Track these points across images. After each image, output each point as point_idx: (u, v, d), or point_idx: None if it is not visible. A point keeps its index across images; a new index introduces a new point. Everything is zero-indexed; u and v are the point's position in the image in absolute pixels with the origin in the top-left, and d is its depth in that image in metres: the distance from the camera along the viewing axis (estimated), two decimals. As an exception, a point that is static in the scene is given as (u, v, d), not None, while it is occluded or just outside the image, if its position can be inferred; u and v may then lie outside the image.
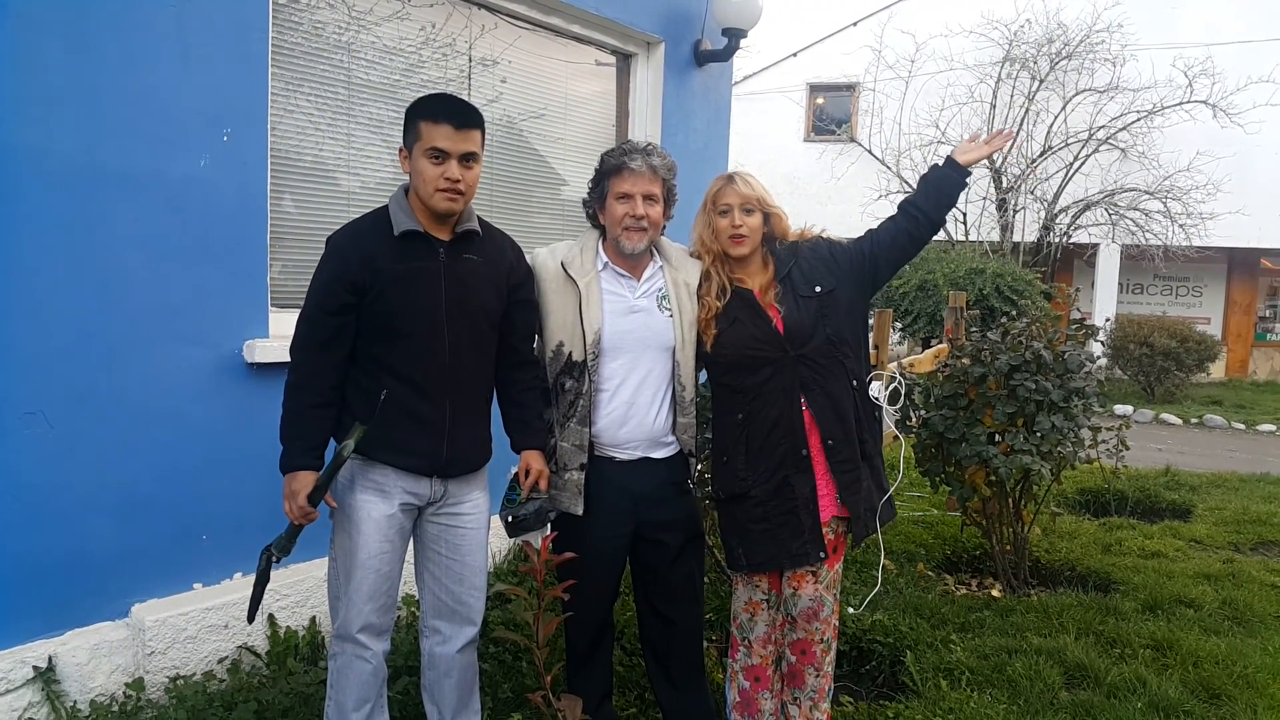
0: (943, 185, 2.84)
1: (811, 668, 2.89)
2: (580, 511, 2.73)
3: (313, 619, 3.47)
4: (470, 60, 4.35)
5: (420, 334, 2.45)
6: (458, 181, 2.41)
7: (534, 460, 2.69)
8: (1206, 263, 16.44)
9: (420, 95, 2.54)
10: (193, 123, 3.09)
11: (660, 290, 2.78)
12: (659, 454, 2.78)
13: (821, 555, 2.77)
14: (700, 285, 2.82)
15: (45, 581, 2.87)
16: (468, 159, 2.42)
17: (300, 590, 3.46)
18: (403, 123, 2.47)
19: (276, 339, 3.32)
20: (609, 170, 2.73)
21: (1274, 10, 15.01)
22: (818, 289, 2.77)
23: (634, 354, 2.72)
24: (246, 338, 3.27)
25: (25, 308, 2.77)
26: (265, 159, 3.33)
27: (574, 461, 2.72)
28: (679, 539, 2.84)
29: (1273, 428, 12.26)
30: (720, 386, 2.85)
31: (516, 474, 2.73)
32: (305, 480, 2.40)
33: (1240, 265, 17.74)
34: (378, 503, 2.47)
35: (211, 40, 3.12)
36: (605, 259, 2.77)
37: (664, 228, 2.83)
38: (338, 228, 2.53)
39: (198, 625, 3.16)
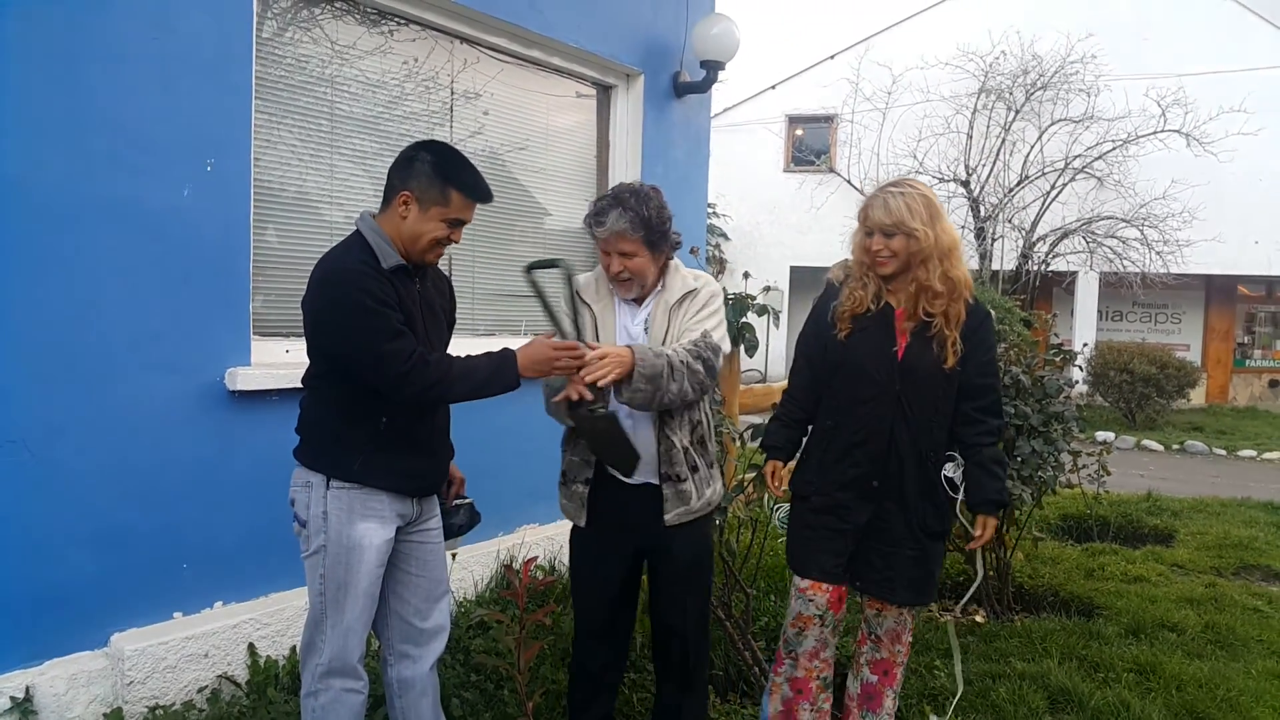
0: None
1: (891, 690, 2.91)
2: (584, 523, 2.80)
3: (293, 648, 3.44)
4: (452, 93, 4.40)
5: None
6: (454, 242, 2.53)
7: (453, 470, 2.80)
8: (1184, 290, 16.69)
9: (442, 146, 2.51)
10: (176, 153, 3.11)
11: (648, 317, 2.79)
12: (656, 480, 2.76)
13: (857, 584, 2.80)
14: (846, 285, 2.83)
15: (23, 611, 2.84)
16: None
17: (281, 619, 3.43)
18: (412, 168, 2.44)
19: (259, 367, 3.33)
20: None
21: (1243, 41, 15.39)
22: (954, 356, 2.73)
23: None
24: (228, 366, 3.26)
25: (5, 335, 2.76)
26: (248, 188, 3.35)
27: (580, 475, 2.78)
28: (677, 570, 2.84)
29: (1253, 453, 12.38)
30: (827, 387, 2.87)
31: None
32: (530, 345, 2.45)
33: (1218, 292, 18.00)
34: (378, 529, 2.47)
35: (194, 72, 3.15)
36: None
37: (669, 257, 2.80)
38: (326, 258, 2.48)
39: (178, 654, 3.13)
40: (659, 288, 2.82)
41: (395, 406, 2.45)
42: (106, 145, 2.94)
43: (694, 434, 2.78)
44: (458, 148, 2.58)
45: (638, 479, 2.73)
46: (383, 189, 2.52)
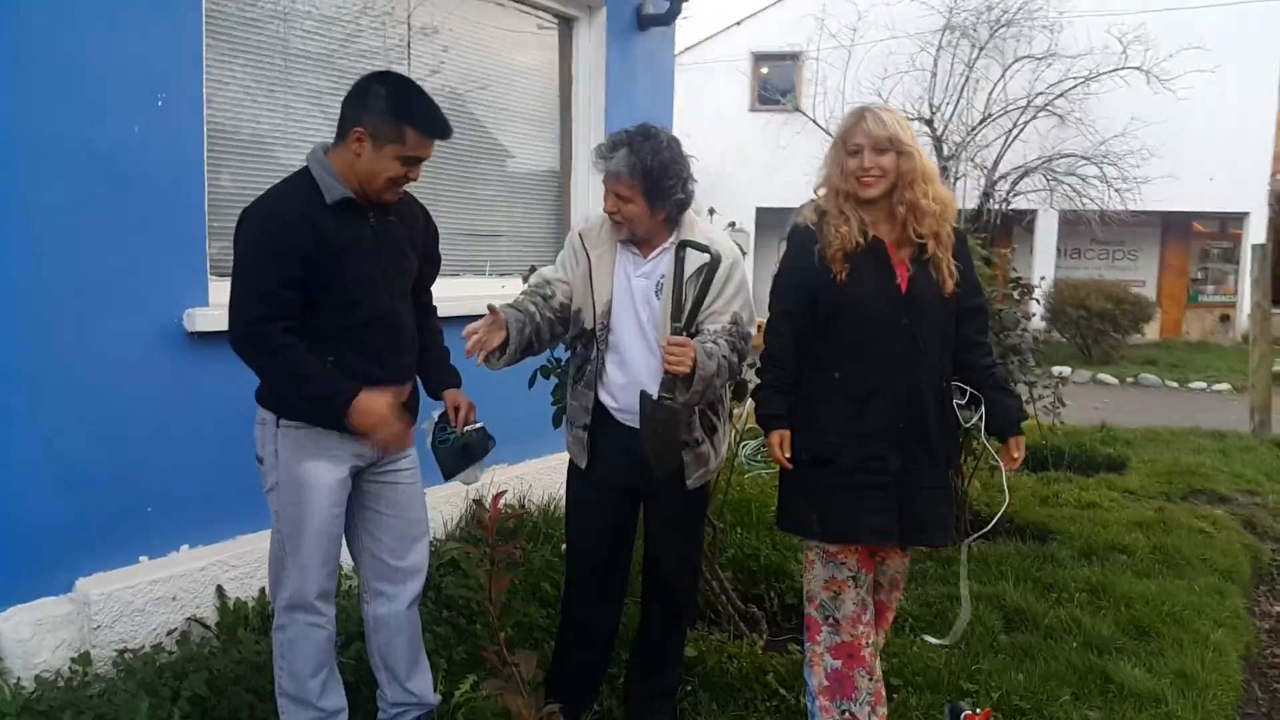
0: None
1: (881, 630, 2.87)
2: (584, 465, 2.80)
3: (262, 590, 3.45)
4: (409, 29, 4.29)
5: (367, 301, 2.45)
6: (412, 179, 2.44)
7: (458, 396, 2.73)
8: (1141, 227, 16.92)
9: (398, 77, 2.47)
10: (124, 89, 3.02)
11: (663, 274, 2.69)
12: None
13: (900, 536, 2.62)
14: (827, 224, 2.63)
15: (-15, 558, 2.83)
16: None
17: (249, 561, 3.43)
18: (365, 101, 2.36)
19: (217, 307, 3.27)
20: None
21: (1203, -22, 15.43)
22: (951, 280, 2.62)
23: (626, 331, 2.73)
24: (186, 306, 3.22)
25: (-47, 279, 2.70)
26: (201, 124, 3.28)
27: (579, 420, 2.79)
28: (677, 515, 2.86)
29: (1203, 385, 12.72)
30: (821, 338, 2.65)
31: (442, 415, 2.75)
32: (376, 396, 2.34)
33: (1173, 229, 18.28)
34: (328, 469, 2.47)
35: (141, 3, 3.05)
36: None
37: (675, 213, 2.72)
38: (265, 193, 2.45)
39: (145, 598, 3.13)
40: (669, 241, 2.71)
41: (348, 348, 2.42)
42: (53, 81, 2.85)
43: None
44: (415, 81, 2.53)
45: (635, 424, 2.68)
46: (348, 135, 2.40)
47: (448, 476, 2.74)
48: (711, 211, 5.28)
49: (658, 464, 2.56)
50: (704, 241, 2.63)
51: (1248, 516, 5.62)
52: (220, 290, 3.34)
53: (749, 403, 3.52)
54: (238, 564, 3.41)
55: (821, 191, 2.73)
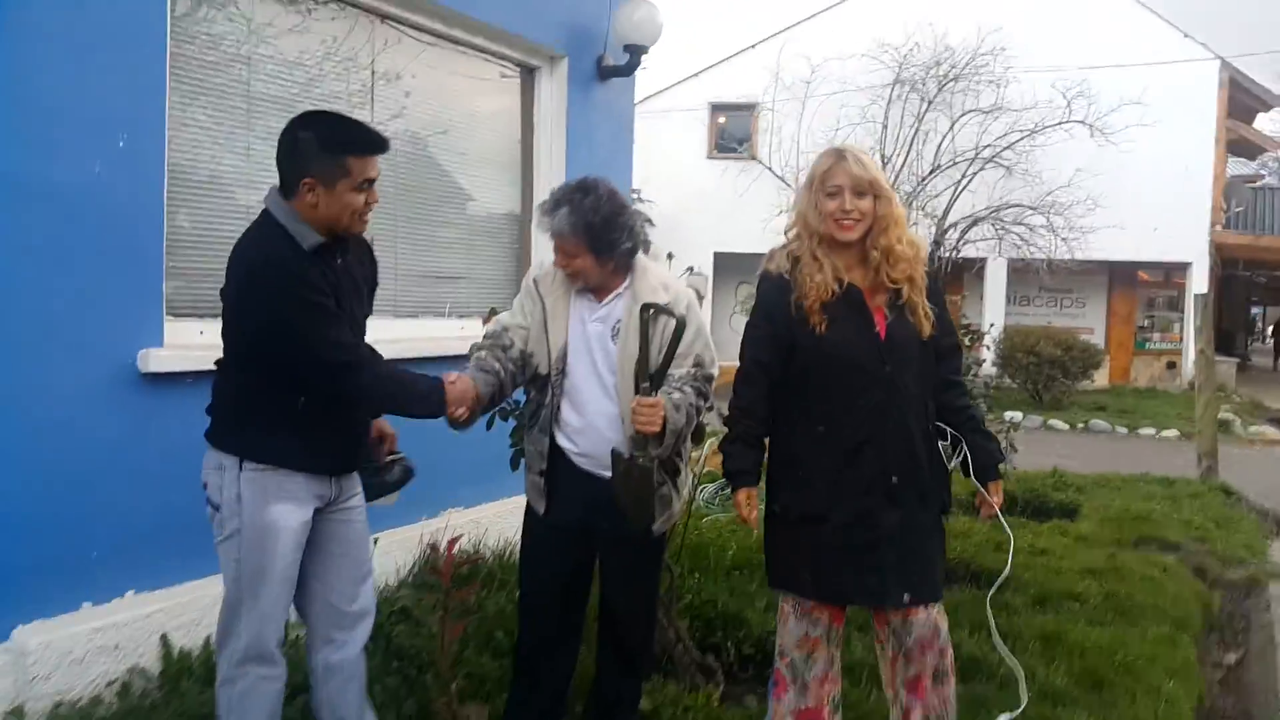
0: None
1: (925, 704, 2.66)
2: (543, 511, 2.80)
3: (208, 639, 3.35)
4: (373, 74, 4.32)
5: None
6: (374, 203, 2.46)
7: (383, 425, 2.75)
8: (1088, 275, 17.37)
9: (316, 115, 2.51)
10: (86, 128, 3.00)
11: (619, 319, 2.71)
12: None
13: (906, 598, 2.55)
14: (799, 269, 2.58)
15: (-83, 607, 2.72)
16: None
17: (195, 609, 3.34)
18: (299, 151, 2.37)
19: (172, 348, 3.23)
20: None
21: (1141, 37, 16.12)
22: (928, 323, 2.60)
23: (582, 375, 2.74)
24: (140, 347, 3.16)
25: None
26: (162, 166, 3.25)
27: (536, 466, 2.79)
28: (631, 553, 2.84)
29: (1152, 431, 12.98)
30: (801, 390, 2.59)
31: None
32: (456, 381, 2.52)
33: (1120, 278, 18.80)
34: (294, 511, 2.44)
35: (107, 46, 3.05)
36: None
37: (624, 260, 2.73)
38: (248, 243, 2.43)
39: (85, 647, 3.02)
40: (624, 286, 2.74)
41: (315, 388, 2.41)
42: (14, 119, 2.82)
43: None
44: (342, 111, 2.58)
45: (593, 469, 2.71)
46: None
47: (366, 501, 2.74)
48: (670, 256, 5.35)
49: (634, 520, 2.58)
50: (659, 286, 2.69)
51: (1198, 564, 5.70)
52: (175, 331, 3.31)
53: (707, 445, 3.54)
54: (183, 611, 3.31)
55: (793, 233, 2.69)
